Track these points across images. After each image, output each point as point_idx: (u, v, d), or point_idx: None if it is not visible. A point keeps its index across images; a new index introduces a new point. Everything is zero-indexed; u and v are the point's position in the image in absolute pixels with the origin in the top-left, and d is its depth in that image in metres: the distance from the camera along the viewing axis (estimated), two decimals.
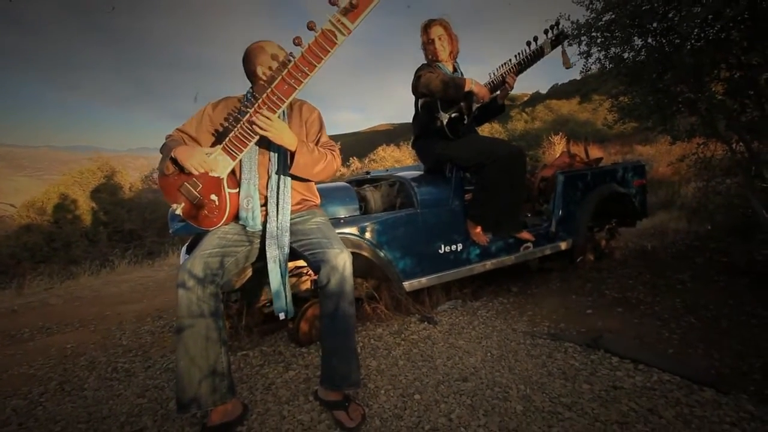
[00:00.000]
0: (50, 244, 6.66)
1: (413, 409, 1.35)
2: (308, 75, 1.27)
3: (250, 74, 1.48)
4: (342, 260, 1.33)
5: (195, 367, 1.23)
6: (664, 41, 2.09)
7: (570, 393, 1.40)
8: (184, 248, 1.96)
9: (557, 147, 10.73)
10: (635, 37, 2.15)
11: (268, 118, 1.29)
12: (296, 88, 1.29)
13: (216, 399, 1.25)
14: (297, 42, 1.24)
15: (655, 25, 2.04)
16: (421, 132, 2.18)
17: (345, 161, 16.02)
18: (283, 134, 1.32)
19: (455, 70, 2.15)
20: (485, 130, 18.27)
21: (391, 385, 1.50)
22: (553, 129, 13.37)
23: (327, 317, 1.34)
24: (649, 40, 2.14)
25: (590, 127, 16.54)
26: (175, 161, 1.35)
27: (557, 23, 2.25)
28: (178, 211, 1.43)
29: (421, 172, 2.33)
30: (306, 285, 1.93)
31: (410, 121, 2.29)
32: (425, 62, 2.14)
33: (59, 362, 1.95)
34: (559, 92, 16.39)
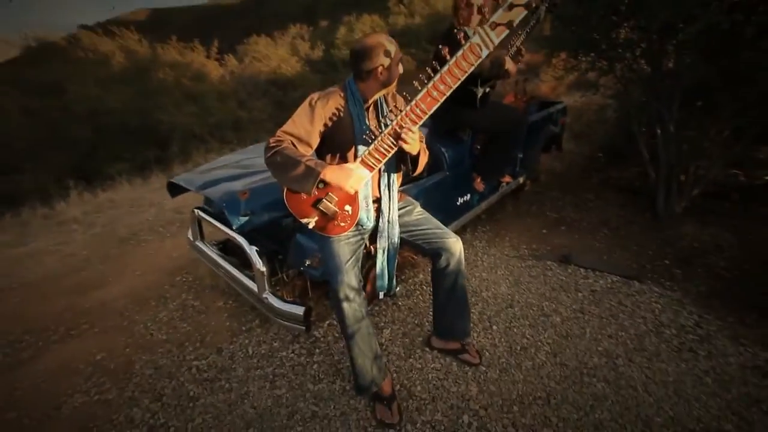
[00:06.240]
0: None
1: (499, 338, 1.92)
2: (451, 87, 1.30)
3: (367, 73, 1.38)
4: (458, 247, 1.62)
5: (367, 358, 1.48)
6: None
7: (575, 300, 2.17)
8: (242, 240, 1.83)
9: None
10: None
11: (411, 131, 1.32)
12: (438, 101, 1.31)
13: (384, 375, 1.55)
14: (444, 54, 1.25)
15: None
16: None
17: (188, 43, 12.69)
18: (416, 144, 1.38)
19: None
20: (367, 24, 16.98)
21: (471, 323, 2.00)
22: (434, 27, 13.47)
23: (448, 290, 1.67)
24: None
25: None
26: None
27: None
28: (311, 225, 1.41)
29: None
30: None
31: None
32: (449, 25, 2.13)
33: (122, 378, 1.78)
34: None
